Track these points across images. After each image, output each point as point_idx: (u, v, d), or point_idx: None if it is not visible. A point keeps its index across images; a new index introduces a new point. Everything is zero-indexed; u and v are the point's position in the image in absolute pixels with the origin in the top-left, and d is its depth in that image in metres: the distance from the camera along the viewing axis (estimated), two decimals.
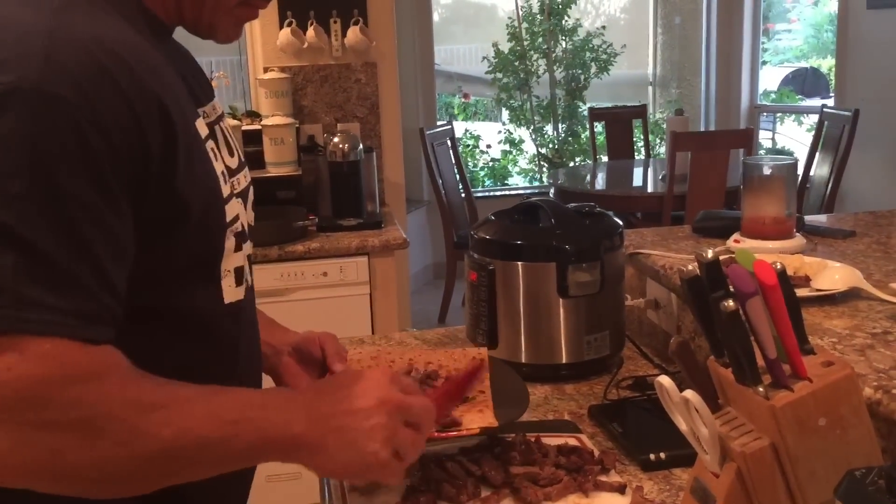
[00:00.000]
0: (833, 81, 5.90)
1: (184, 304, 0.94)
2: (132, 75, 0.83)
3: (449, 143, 5.13)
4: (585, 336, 1.52)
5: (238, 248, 1.00)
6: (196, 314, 0.96)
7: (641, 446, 1.24)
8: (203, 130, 0.96)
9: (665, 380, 0.94)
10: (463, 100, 7.41)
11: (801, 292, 1.36)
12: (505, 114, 7.15)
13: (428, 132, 4.91)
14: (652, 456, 1.22)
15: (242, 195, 1.05)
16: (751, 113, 6.25)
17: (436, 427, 1.06)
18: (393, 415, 0.90)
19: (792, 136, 6.96)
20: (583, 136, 6.74)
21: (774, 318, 0.89)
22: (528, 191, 6.53)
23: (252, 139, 3.16)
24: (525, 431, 1.22)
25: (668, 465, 1.21)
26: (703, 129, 6.36)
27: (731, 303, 0.87)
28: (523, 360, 1.53)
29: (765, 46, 6.54)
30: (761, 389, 0.89)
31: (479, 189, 6.65)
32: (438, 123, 5.57)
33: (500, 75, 6.74)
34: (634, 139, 5.86)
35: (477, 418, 1.15)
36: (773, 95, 6.91)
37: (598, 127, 5.93)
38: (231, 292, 0.99)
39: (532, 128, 6.88)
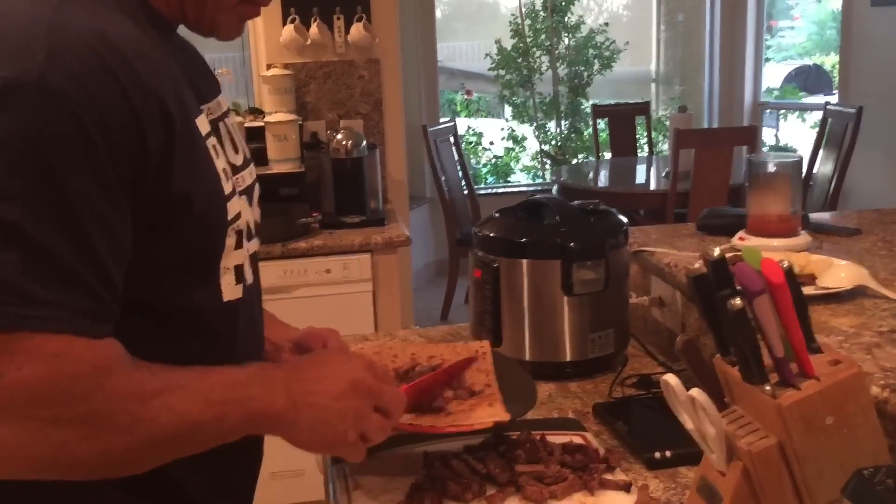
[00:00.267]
0: (836, 78, 5.89)
1: (181, 301, 0.94)
2: (132, 71, 0.83)
3: (452, 140, 5.13)
4: (590, 334, 1.52)
5: (239, 245, 1.00)
6: (193, 311, 0.96)
7: (647, 444, 1.24)
8: (204, 127, 0.96)
9: (672, 378, 0.93)
10: (466, 97, 7.40)
11: (807, 290, 1.35)
12: (508, 111, 7.14)
13: (431, 129, 4.90)
14: (657, 454, 1.21)
15: (247, 192, 1.05)
16: (754, 110, 6.23)
17: (417, 412, 1.13)
18: (364, 399, 0.95)
19: (795, 134, 6.95)
20: (586, 133, 6.73)
21: (781, 317, 0.89)
22: (531, 188, 6.51)
23: (255, 136, 3.15)
24: (530, 429, 1.22)
25: (673, 464, 1.21)
26: (706, 126, 6.34)
27: (738, 301, 0.87)
28: (528, 358, 1.53)
29: (768, 43, 6.53)
30: (768, 388, 0.89)
31: (482, 186, 6.65)
32: (441, 120, 5.57)
33: (502, 72, 6.74)
34: (637, 136, 5.85)
35: (486, 412, 1.15)
36: (776, 92, 6.89)
37: (601, 124, 5.92)
38: (230, 290, 0.99)
39: (535, 125, 6.88)
